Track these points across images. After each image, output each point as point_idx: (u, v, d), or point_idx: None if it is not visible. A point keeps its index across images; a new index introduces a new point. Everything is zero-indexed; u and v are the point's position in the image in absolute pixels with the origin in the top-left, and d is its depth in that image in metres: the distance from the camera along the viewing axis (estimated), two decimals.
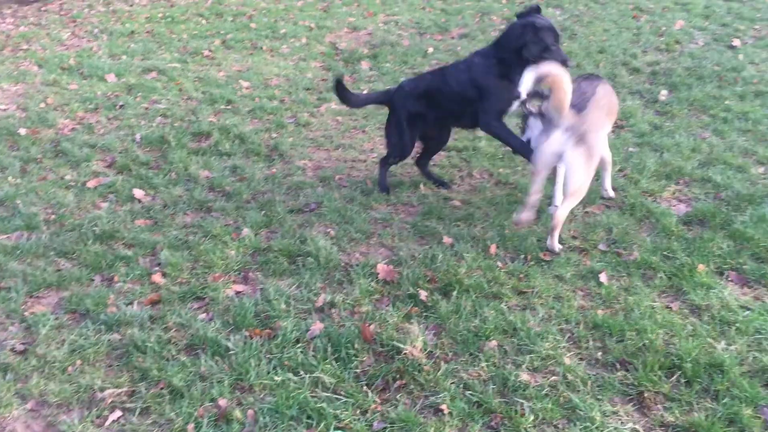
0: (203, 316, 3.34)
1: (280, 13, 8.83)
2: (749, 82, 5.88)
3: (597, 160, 3.71)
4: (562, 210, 3.66)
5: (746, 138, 4.92)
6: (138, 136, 5.37)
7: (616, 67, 6.54)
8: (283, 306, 3.35)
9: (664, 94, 5.83)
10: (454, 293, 3.38)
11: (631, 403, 2.73)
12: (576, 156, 3.54)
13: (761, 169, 4.48)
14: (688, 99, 5.67)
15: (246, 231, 4.02)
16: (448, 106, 4.33)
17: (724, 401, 2.67)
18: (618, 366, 2.90)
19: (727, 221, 3.86)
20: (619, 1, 8.75)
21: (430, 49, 7.29)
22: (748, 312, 3.15)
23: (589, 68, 6.49)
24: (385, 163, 4.58)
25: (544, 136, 3.64)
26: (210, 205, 4.38)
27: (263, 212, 4.26)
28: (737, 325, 3.07)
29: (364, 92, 4.84)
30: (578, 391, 2.77)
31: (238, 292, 3.51)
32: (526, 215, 3.73)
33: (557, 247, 3.70)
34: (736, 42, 6.91)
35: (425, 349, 3.03)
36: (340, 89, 4.57)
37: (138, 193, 4.53)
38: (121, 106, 6.01)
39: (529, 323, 3.15)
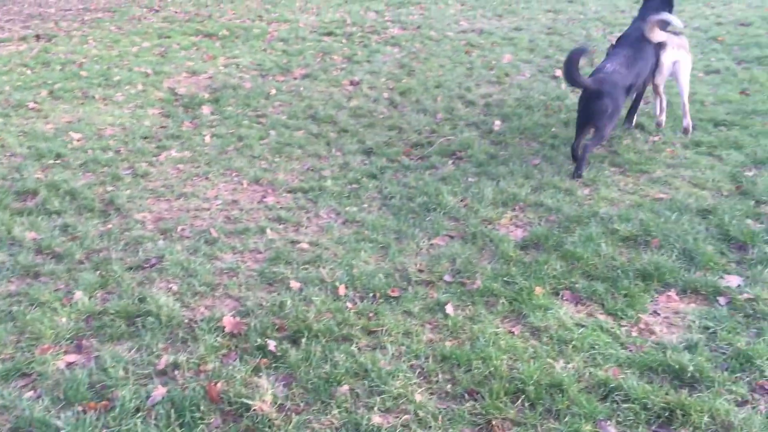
0: (30, 394, 3.04)
1: (113, 60, 8.47)
2: (572, 109, 6.33)
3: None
4: (686, 97, 5.65)
5: (572, 161, 5.26)
6: None
7: (453, 100, 6.82)
8: (121, 373, 3.12)
9: (497, 124, 6.14)
10: (304, 340, 3.31)
11: None
12: (686, 59, 5.63)
13: (587, 191, 4.80)
14: (519, 128, 6.00)
15: (78, 294, 3.74)
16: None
17: (565, 420, 2.77)
18: (467, 396, 2.95)
19: (559, 243, 4.08)
20: (452, 38, 9.19)
21: (273, 91, 7.26)
22: (582, 329, 3.33)
23: (427, 103, 6.73)
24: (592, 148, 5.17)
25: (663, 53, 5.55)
26: (37, 269, 4.04)
27: (98, 272, 3.99)
28: (573, 342, 3.22)
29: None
30: (429, 427, 2.78)
31: (69, 364, 3.24)
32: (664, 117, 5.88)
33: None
34: (558, 72, 7.44)
35: (275, 403, 2.93)
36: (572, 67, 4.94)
37: None
38: None
39: (379, 363, 3.14)
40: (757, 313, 3.39)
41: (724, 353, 3.13)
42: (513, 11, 10.72)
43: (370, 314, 3.52)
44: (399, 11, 10.98)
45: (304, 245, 4.28)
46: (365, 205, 4.78)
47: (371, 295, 3.70)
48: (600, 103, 5.01)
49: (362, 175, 5.24)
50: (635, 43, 5.39)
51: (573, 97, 6.65)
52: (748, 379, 2.97)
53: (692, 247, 3.93)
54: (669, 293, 3.58)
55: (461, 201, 4.75)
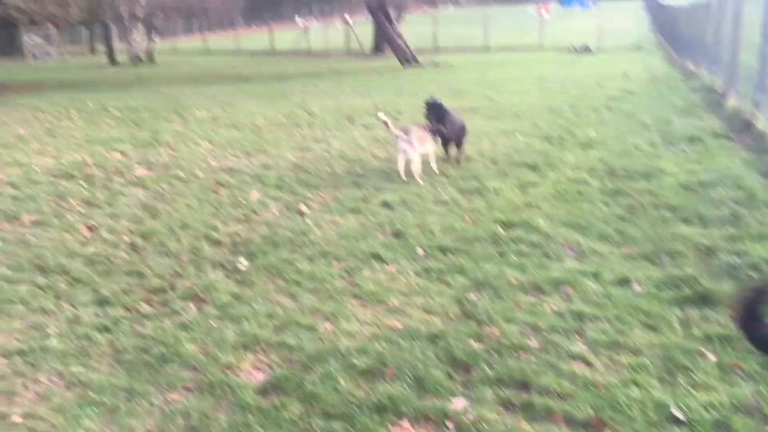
0: None
1: None
2: (316, 243, 6.53)
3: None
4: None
5: (315, 297, 5.35)
6: None
7: (199, 240, 6.71)
8: None
9: (243, 263, 6.10)
10: None
11: None
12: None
13: (328, 326, 4.86)
14: (265, 266, 6.02)
15: None
16: None
17: None
18: None
19: (299, 384, 4.03)
20: (201, 177, 9.20)
21: None
22: None
23: (171, 245, 6.54)
24: None
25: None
26: None
27: None
28: None
29: None
30: None
31: None
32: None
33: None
34: (304, 208, 7.70)
35: None
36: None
37: None
38: None
39: None
40: None
41: None
42: (262, 150, 11.08)
43: None
44: (146, 151, 10.82)
45: (16, 418, 3.76)
46: (94, 364, 4.38)
47: None
48: None
49: (93, 329, 4.84)
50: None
51: (317, 231, 6.88)
52: None
53: (423, 373, 4.10)
54: (402, 423, 3.66)
55: (201, 348, 4.55)
